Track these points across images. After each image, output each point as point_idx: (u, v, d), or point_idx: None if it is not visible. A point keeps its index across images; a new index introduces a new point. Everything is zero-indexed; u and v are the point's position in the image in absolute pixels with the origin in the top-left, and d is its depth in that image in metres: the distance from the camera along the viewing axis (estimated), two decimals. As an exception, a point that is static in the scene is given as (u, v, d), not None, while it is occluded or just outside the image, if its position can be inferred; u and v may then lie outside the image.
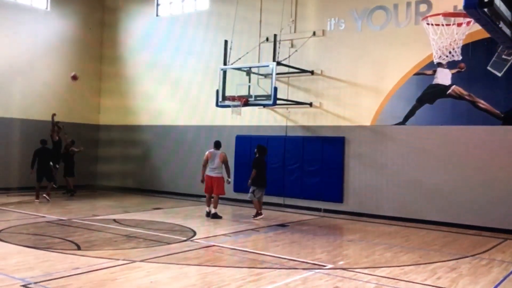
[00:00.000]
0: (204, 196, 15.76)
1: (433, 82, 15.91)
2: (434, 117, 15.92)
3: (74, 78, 18.78)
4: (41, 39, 22.26)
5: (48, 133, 19.69)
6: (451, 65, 15.01)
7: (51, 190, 18.33)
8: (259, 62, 18.20)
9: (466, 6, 7.96)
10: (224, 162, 15.40)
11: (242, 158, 19.10)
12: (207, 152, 15.48)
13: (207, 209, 15.46)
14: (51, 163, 18.40)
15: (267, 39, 18.47)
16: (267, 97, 16.41)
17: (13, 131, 21.19)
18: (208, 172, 15.33)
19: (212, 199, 15.34)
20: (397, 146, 16.42)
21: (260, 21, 19.04)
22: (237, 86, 16.90)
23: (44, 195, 17.76)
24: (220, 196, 15.41)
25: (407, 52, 16.34)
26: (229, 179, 15.58)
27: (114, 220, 14.37)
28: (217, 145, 15.69)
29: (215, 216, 15.17)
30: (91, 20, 24.19)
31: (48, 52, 22.48)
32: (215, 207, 15.26)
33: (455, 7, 14.84)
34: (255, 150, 15.83)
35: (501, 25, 9.11)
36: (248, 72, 17.53)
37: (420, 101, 16.13)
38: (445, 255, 11.01)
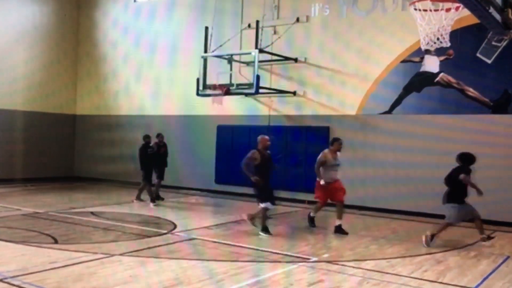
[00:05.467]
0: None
1: (421, 70, 15.79)
2: (422, 105, 15.82)
3: None
4: (15, 26, 21.62)
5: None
6: (439, 52, 14.90)
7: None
8: (240, 49, 17.97)
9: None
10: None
11: (224, 148, 18.91)
12: (325, 152, 12.61)
13: (311, 213, 13.18)
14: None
15: (249, 26, 18.19)
16: (249, 85, 16.29)
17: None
18: (333, 175, 12.50)
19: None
20: (383, 136, 16.30)
21: (242, 6, 18.69)
22: (218, 74, 16.72)
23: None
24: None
25: (393, 38, 16.17)
26: (321, 181, 12.41)
27: (92, 213, 14.20)
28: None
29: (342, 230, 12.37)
30: (66, 7, 23.61)
31: (22, 40, 21.87)
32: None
33: (443, -8, 14.67)
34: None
35: (491, 10, 8.94)
36: (230, 60, 17.36)
37: (407, 89, 16.01)
38: (432, 248, 10.90)
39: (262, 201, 11.68)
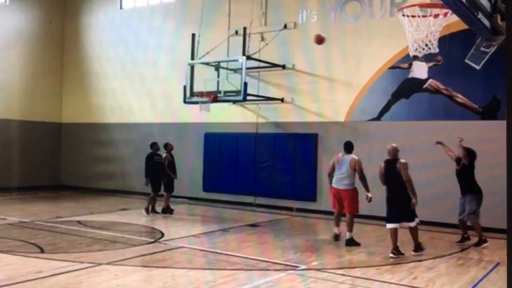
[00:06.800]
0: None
1: (409, 76, 15.71)
2: (410, 112, 15.76)
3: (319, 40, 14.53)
4: (-1, 33, 21.48)
5: None
6: (427, 58, 14.84)
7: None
8: (228, 56, 17.74)
9: (443, -4, 7.67)
10: (357, 170, 12.03)
11: (212, 156, 18.80)
12: (334, 157, 12.36)
13: (335, 230, 12.27)
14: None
15: (236, 32, 18.03)
16: (237, 93, 16.12)
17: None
18: (335, 184, 12.14)
19: (344, 219, 12.10)
20: (372, 143, 16.15)
21: (229, 13, 18.49)
22: (205, 81, 16.55)
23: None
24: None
25: (382, 45, 16.13)
26: (369, 194, 12.11)
27: (79, 221, 14.04)
28: (348, 147, 12.32)
29: (351, 243, 11.70)
30: (51, 14, 23.43)
31: (6, 47, 21.64)
32: (349, 230, 11.83)
33: (431, -3, 14.67)
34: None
35: (480, 15, 8.87)
36: (217, 67, 17.24)
37: (396, 96, 15.94)
38: (422, 255, 10.83)
39: (413, 218, 11.12)
